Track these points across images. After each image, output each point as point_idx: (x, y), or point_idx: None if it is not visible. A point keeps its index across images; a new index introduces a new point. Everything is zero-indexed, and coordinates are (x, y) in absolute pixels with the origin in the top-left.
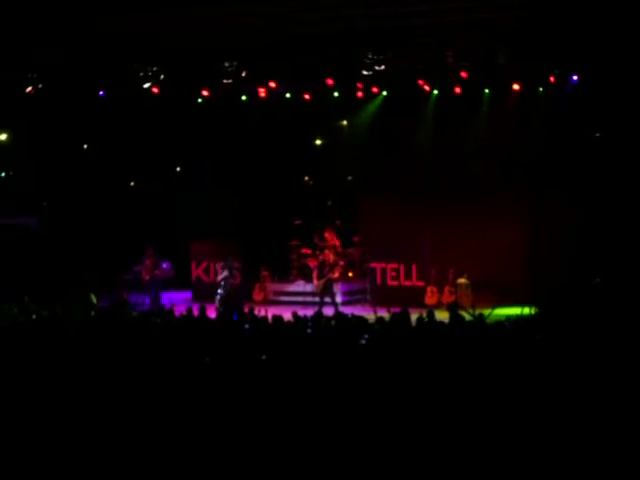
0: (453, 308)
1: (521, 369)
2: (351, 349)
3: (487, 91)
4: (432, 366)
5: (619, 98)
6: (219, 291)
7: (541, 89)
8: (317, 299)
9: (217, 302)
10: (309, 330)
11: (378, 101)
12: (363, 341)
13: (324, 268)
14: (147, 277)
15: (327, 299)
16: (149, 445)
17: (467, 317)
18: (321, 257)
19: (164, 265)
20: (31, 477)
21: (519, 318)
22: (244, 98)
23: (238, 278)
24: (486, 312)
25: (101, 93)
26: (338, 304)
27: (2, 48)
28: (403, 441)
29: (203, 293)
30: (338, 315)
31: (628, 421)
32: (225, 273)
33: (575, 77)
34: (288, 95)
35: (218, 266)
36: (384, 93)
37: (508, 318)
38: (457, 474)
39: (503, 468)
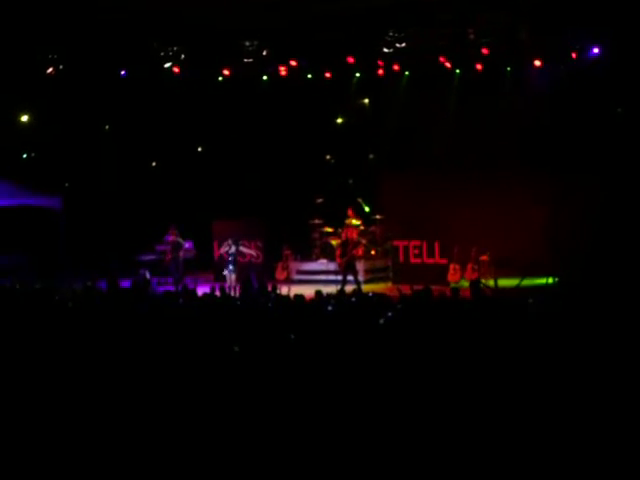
0: (475, 285)
1: (542, 346)
2: (372, 327)
3: (509, 68)
4: (452, 344)
5: None
6: (230, 267)
7: (562, 65)
8: (340, 277)
9: (233, 281)
10: (330, 308)
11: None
12: (383, 320)
13: (347, 246)
14: (169, 257)
15: (350, 277)
16: (175, 427)
17: (490, 284)
18: (344, 235)
19: (187, 245)
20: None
21: (543, 288)
22: (265, 78)
23: (261, 257)
24: (515, 282)
25: (123, 73)
26: (361, 282)
27: (22, 30)
28: (424, 418)
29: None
30: (359, 293)
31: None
32: (232, 248)
33: (596, 50)
34: (309, 74)
35: (229, 242)
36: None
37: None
38: (483, 454)
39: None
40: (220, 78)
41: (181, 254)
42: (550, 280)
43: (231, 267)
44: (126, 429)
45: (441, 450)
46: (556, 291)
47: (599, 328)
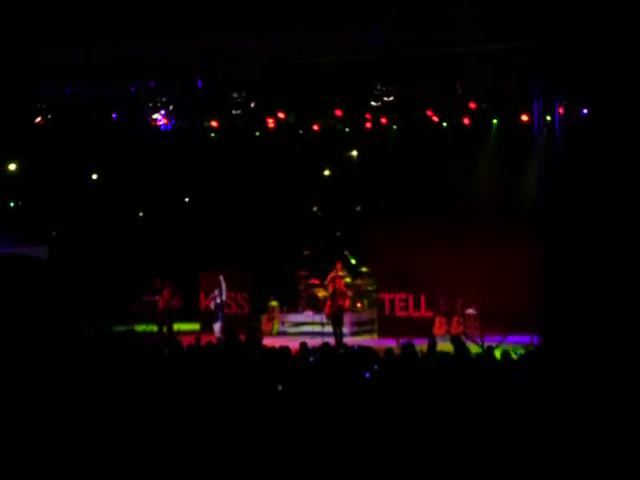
0: (456, 341)
1: (527, 405)
2: (357, 381)
3: (495, 122)
4: (436, 398)
5: (629, 130)
6: (219, 318)
7: (549, 118)
8: (326, 329)
9: (218, 331)
10: (312, 359)
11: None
12: (369, 373)
13: (335, 297)
14: (162, 307)
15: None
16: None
17: (475, 350)
18: (331, 287)
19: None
20: None
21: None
22: (257, 134)
23: (246, 308)
24: (494, 347)
25: (114, 116)
26: (344, 334)
27: (11, 79)
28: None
29: (212, 323)
30: (343, 346)
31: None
32: (218, 299)
33: (585, 110)
34: (298, 127)
35: (214, 294)
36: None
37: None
38: None
39: None
40: (213, 135)
41: (175, 304)
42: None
43: (220, 316)
44: None
45: None
46: (542, 352)
47: (587, 390)
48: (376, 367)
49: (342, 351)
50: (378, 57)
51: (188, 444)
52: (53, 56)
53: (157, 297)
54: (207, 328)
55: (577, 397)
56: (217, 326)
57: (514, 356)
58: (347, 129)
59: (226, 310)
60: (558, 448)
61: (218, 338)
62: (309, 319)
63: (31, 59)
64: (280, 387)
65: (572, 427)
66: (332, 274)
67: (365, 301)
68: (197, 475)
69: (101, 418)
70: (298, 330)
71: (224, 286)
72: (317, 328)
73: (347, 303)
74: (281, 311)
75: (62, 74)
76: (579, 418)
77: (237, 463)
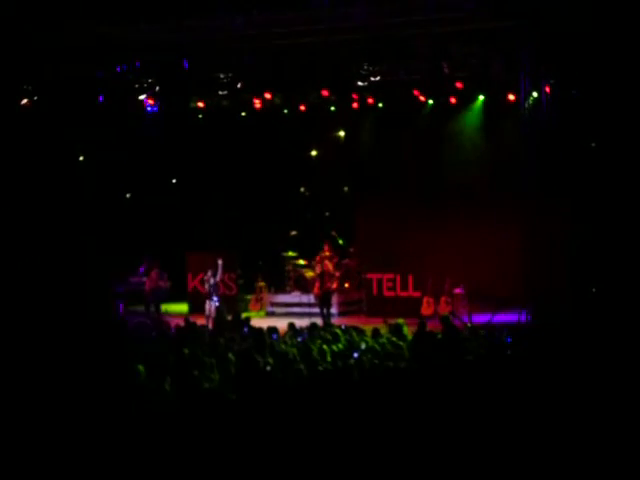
0: (446, 320)
1: (515, 381)
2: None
3: (481, 99)
4: (424, 378)
5: (615, 107)
6: (215, 299)
7: (535, 95)
8: (314, 310)
9: (213, 312)
10: (300, 339)
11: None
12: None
13: (323, 278)
14: (149, 288)
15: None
16: None
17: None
18: (318, 268)
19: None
20: None
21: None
22: (243, 114)
23: (234, 289)
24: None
25: (100, 99)
26: (333, 315)
27: None
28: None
29: (200, 305)
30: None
31: (622, 432)
32: (212, 280)
33: (573, 90)
34: (284, 107)
35: (208, 275)
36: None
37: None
38: None
39: None
40: (200, 116)
41: (162, 285)
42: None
43: (215, 298)
44: None
45: None
46: (530, 329)
47: (575, 367)
48: (363, 347)
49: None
50: (364, 37)
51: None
52: (39, 37)
53: (144, 278)
54: (195, 309)
55: (565, 374)
56: (210, 305)
57: None
58: (333, 109)
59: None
60: (548, 425)
61: (207, 317)
62: (297, 300)
63: (18, 40)
64: (268, 368)
65: (561, 403)
66: (320, 255)
67: (352, 281)
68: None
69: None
70: (286, 311)
71: (220, 268)
72: (305, 309)
73: (335, 285)
74: (269, 292)
75: (49, 55)
76: (567, 394)
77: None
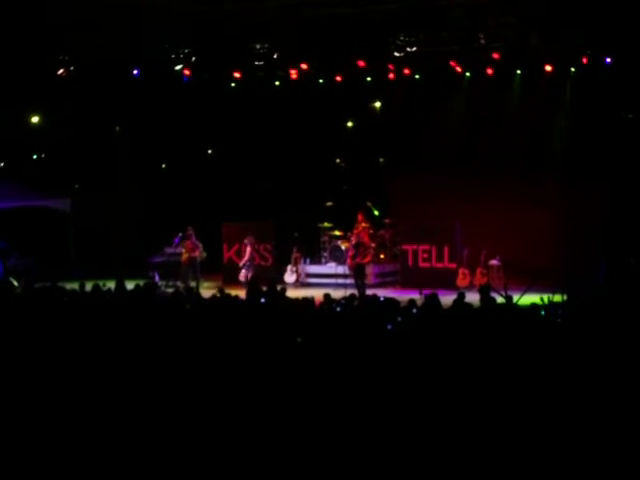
0: (485, 290)
1: (549, 355)
2: (380, 332)
3: (519, 72)
4: (460, 349)
5: None
6: (245, 269)
7: (573, 70)
8: (349, 281)
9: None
10: (338, 309)
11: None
12: (391, 325)
13: (359, 249)
14: (184, 259)
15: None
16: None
17: (499, 299)
18: (354, 238)
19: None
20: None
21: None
22: (277, 83)
23: (270, 260)
24: (515, 298)
25: (135, 73)
26: (366, 286)
27: (33, 31)
28: (428, 425)
29: (235, 275)
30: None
31: None
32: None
33: (608, 59)
34: (320, 78)
35: (246, 245)
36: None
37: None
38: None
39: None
40: (233, 83)
41: (196, 255)
42: (557, 298)
43: (247, 269)
44: (128, 431)
45: (445, 460)
46: (566, 304)
47: (609, 341)
48: (399, 319)
49: (364, 302)
50: (401, 7)
51: (207, 397)
52: (76, 8)
53: (179, 249)
54: (230, 280)
55: (600, 345)
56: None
57: (544, 300)
58: (369, 80)
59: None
60: (577, 398)
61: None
62: (332, 270)
63: (55, 10)
64: (300, 339)
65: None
66: (356, 226)
67: (388, 252)
68: (215, 427)
69: (120, 370)
70: (321, 282)
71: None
72: (340, 280)
73: (368, 259)
74: (304, 262)
75: (86, 26)
76: (601, 365)
77: (256, 417)
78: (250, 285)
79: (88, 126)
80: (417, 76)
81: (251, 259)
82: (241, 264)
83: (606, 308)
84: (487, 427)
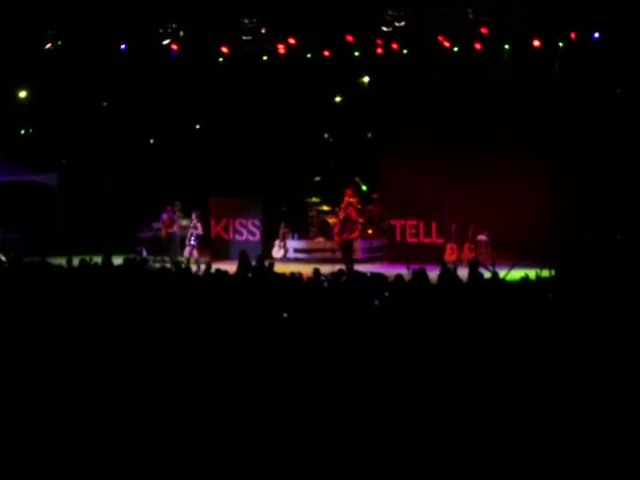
0: (474, 265)
1: (538, 329)
2: (367, 307)
3: (507, 47)
4: (449, 323)
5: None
6: (192, 242)
7: (561, 44)
8: (337, 256)
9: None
10: (326, 285)
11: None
12: (378, 301)
13: (346, 224)
14: (164, 234)
15: (347, 256)
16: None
17: (487, 274)
18: (342, 213)
19: (184, 222)
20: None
21: (537, 279)
22: (265, 58)
23: (258, 234)
24: (502, 274)
25: (123, 47)
26: (354, 261)
27: (20, 6)
28: (417, 402)
29: (223, 250)
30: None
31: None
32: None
33: (596, 34)
34: (308, 53)
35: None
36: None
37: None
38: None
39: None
40: (220, 58)
41: (176, 230)
42: (544, 273)
43: (192, 242)
44: (116, 406)
45: (434, 438)
46: (555, 280)
47: (599, 318)
48: (386, 294)
49: (352, 278)
50: None
51: (195, 374)
52: None
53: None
54: (218, 255)
55: (590, 319)
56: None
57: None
58: (358, 54)
59: (237, 237)
60: (565, 375)
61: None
62: (320, 246)
63: None
64: (286, 315)
65: (581, 354)
66: (344, 201)
67: (376, 228)
68: (203, 403)
69: (108, 345)
70: (309, 257)
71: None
72: (328, 255)
73: (355, 234)
74: (292, 237)
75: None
76: (592, 340)
77: (244, 394)
78: (240, 258)
79: (75, 101)
80: (405, 51)
81: (196, 234)
82: (187, 240)
83: (595, 283)
84: (477, 404)
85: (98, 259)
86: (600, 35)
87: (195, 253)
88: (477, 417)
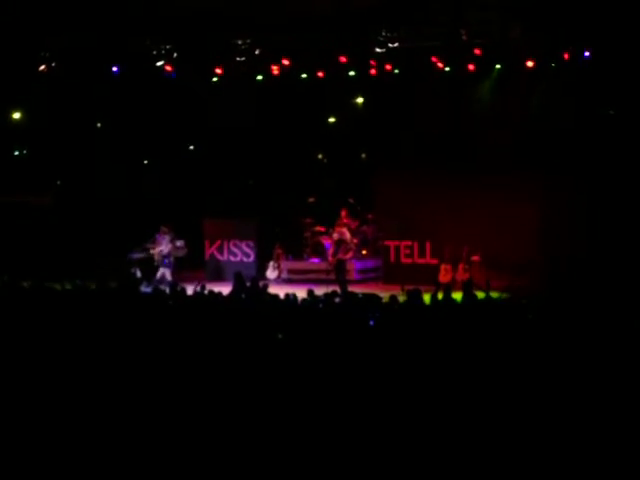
0: (468, 287)
1: (534, 350)
2: (361, 328)
3: (499, 66)
4: (443, 344)
5: (633, 74)
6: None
7: (553, 65)
8: (332, 277)
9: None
10: (320, 306)
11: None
12: (372, 322)
13: (340, 245)
14: (157, 255)
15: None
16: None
17: (480, 295)
18: (336, 235)
19: (178, 243)
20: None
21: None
22: (259, 78)
23: (252, 255)
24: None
25: (115, 70)
26: (347, 283)
27: (16, 27)
28: (413, 419)
29: (217, 272)
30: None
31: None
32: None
33: (587, 53)
34: (302, 74)
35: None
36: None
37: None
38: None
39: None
40: (214, 78)
41: (163, 250)
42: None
43: (166, 263)
44: (110, 421)
45: (428, 454)
46: (549, 297)
47: (593, 334)
48: (381, 315)
49: (346, 299)
50: (383, 3)
51: (190, 394)
52: (57, 4)
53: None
54: (212, 276)
55: (581, 338)
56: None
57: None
58: (352, 73)
59: (231, 258)
60: (560, 389)
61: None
62: (314, 267)
63: (35, 7)
64: (280, 336)
65: (578, 367)
66: (338, 222)
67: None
68: (198, 422)
69: (103, 366)
70: (304, 278)
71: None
72: (322, 276)
73: (349, 255)
74: (286, 258)
75: (66, 22)
76: (583, 357)
77: (239, 413)
78: (235, 280)
79: (70, 122)
80: (398, 71)
81: (167, 253)
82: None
83: (587, 303)
84: (471, 422)
85: (92, 283)
86: (591, 54)
87: (168, 275)
88: (475, 437)
